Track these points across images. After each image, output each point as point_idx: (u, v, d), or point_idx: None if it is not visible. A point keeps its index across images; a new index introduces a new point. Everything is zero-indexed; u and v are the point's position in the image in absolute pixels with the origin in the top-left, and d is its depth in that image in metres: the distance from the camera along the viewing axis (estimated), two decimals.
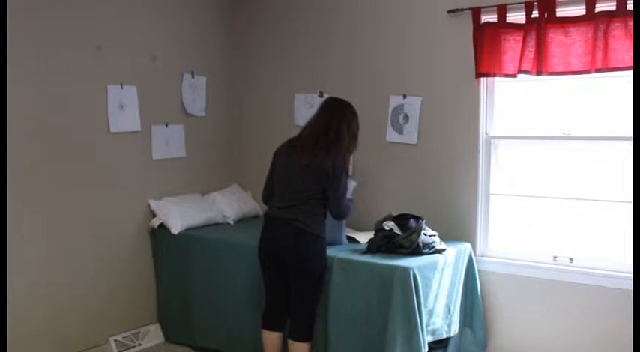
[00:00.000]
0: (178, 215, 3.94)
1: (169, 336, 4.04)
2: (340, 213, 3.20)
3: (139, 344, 3.94)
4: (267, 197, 3.36)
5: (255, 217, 4.36)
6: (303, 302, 3.21)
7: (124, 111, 3.81)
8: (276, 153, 3.33)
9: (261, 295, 3.40)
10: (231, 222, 4.16)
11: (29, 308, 3.41)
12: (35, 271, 3.44)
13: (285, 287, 3.25)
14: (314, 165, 3.11)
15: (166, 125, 4.08)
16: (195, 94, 4.26)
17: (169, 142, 4.11)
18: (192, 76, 4.24)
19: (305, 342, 3.22)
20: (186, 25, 4.20)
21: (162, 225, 3.94)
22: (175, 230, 3.89)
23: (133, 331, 3.95)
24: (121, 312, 3.88)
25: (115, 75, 3.76)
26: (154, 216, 3.99)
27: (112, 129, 3.76)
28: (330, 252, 3.32)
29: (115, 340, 3.84)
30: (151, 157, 4.00)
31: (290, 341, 3.24)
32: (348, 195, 3.31)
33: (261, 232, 3.27)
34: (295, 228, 3.11)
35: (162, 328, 4.06)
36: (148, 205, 3.99)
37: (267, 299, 3.34)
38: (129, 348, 3.89)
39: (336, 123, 3.18)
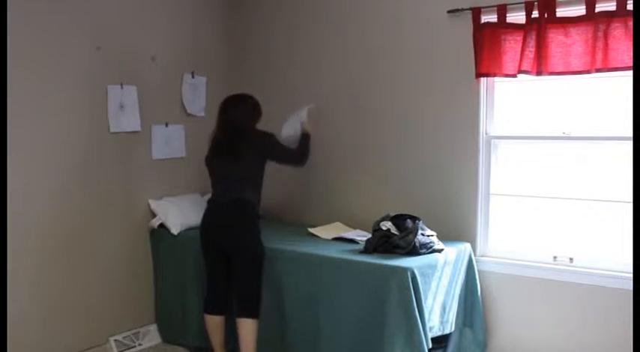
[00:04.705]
0: (178, 215, 3.94)
1: (167, 336, 4.03)
2: (298, 161, 3.59)
3: (139, 344, 3.94)
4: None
5: None
6: (245, 278, 3.36)
7: (124, 111, 3.81)
8: (206, 163, 3.59)
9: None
10: None
11: (29, 308, 3.41)
12: (35, 271, 3.44)
13: (225, 271, 3.45)
14: (241, 159, 3.40)
15: (166, 125, 4.08)
16: (195, 94, 4.26)
17: (169, 142, 4.11)
18: (192, 76, 4.24)
19: (253, 318, 3.34)
20: (186, 26, 4.20)
21: (162, 225, 3.94)
22: (175, 230, 3.89)
23: (133, 331, 3.95)
24: (120, 312, 3.88)
25: (115, 75, 3.76)
26: (154, 216, 3.99)
27: (112, 129, 3.76)
28: (328, 251, 3.34)
29: (115, 340, 3.84)
30: (151, 157, 4.00)
31: (239, 319, 3.35)
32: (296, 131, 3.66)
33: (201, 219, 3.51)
34: (230, 202, 3.38)
35: (160, 328, 4.06)
36: (148, 205, 3.99)
37: (208, 284, 3.53)
38: (129, 348, 3.89)
39: (241, 119, 3.48)
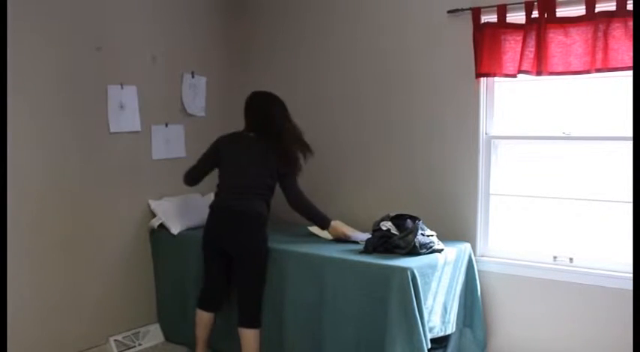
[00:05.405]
0: (178, 215, 3.94)
1: (169, 336, 4.04)
2: (292, 201, 3.46)
3: (139, 344, 3.94)
4: (194, 179, 3.63)
5: None
6: (249, 289, 3.39)
7: (124, 111, 3.81)
8: (221, 142, 3.54)
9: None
10: None
11: (29, 308, 3.41)
12: (35, 271, 3.44)
13: (225, 272, 3.47)
14: (268, 160, 3.36)
15: (166, 125, 4.08)
16: (195, 94, 4.26)
17: (169, 142, 4.11)
18: (192, 76, 4.24)
19: (256, 329, 3.37)
20: (186, 26, 4.20)
21: (162, 225, 3.94)
22: (175, 230, 3.89)
23: (133, 331, 3.96)
24: (121, 312, 3.88)
25: (115, 75, 3.76)
26: (153, 216, 3.99)
27: (112, 129, 3.76)
28: (328, 251, 3.34)
29: (115, 340, 3.84)
30: (150, 157, 4.00)
31: (241, 329, 3.37)
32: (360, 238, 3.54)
33: (206, 221, 3.46)
34: (241, 213, 3.32)
35: (162, 328, 4.06)
36: (148, 205, 3.99)
37: (207, 282, 3.54)
38: (129, 348, 3.89)
39: (282, 120, 3.43)
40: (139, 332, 3.98)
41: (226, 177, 3.46)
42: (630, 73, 2.98)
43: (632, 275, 2.77)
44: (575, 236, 3.46)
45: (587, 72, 3.15)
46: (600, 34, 3.08)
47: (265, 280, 3.41)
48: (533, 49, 3.26)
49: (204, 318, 3.55)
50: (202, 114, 4.31)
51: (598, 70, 3.12)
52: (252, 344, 3.36)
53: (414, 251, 3.21)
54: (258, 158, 3.39)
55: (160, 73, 4.03)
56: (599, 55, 3.09)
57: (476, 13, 3.44)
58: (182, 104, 4.19)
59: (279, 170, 3.38)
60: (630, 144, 3.07)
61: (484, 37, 3.40)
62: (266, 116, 3.44)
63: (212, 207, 3.48)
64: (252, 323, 3.38)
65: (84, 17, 3.59)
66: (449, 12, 3.55)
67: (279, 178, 3.41)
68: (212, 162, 3.55)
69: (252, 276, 3.37)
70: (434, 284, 3.19)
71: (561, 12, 3.21)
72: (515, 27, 3.33)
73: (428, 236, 3.33)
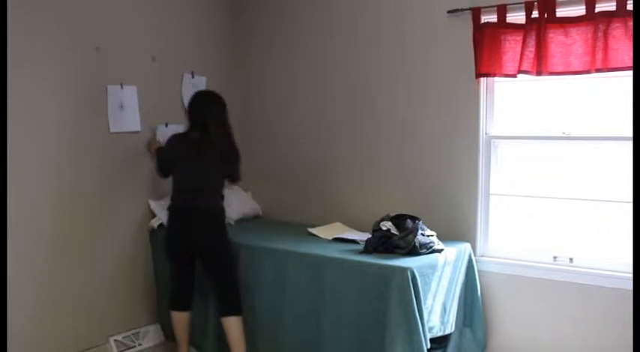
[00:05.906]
0: None
1: (169, 336, 4.04)
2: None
3: (139, 344, 3.94)
4: (166, 173, 3.65)
5: (256, 217, 4.37)
6: (228, 279, 3.48)
7: (124, 111, 3.82)
8: (170, 143, 3.60)
9: (260, 293, 3.41)
10: (232, 223, 4.15)
11: (29, 308, 3.42)
12: (35, 271, 3.44)
13: (192, 270, 3.56)
14: (215, 157, 3.47)
15: (166, 125, 4.08)
16: None
17: None
18: (192, 76, 4.24)
19: (239, 315, 3.48)
20: (186, 26, 4.20)
21: (162, 225, 3.94)
22: None
23: (133, 331, 3.96)
24: (121, 312, 3.89)
25: (115, 75, 3.76)
26: (153, 216, 3.99)
27: (112, 129, 3.77)
28: (328, 251, 3.34)
29: (115, 340, 3.84)
30: (150, 157, 4.00)
31: (225, 318, 3.46)
32: None
33: (168, 223, 3.54)
34: (203, 210, 3.43)
35: (162, 328, 4.06)
36: (148, 205, 4.00)
37: (177, 284, 3.59)
38: (129, 348, 3.89)
39: (221, 117, 3.52)
40: (139, 332, 3.98)
41: (179, 178, 3.53)
42: (630, 73, 2.98)
43: (632, 275, 2.77)
44: (575, 236, 3.46)
45: (587, 72, 3.15)
46: (600, 34, 3.08)
47: (238, 268, 3.51)
48: (533, 49, 3.26)
49: (182, 319, 3.61)
50: None
51: (598, 70, 3.12)
52: (236, 330, 3.45)
53: (414, 251, 3.21)
54: (206, 157, 3.47)
55: (160, 73, 4.03)
56: (599, 55, 3.09)
57: (476, 13, 3.44)
58: (182, 104, 4.19)
59: (227, 167, 3.53)
60: (630, 144, 3.06)
61: (484, 37, 3.40)
62: (207, 116, 3.50)
63: (171, 208, 3.52)
64: (235, 310, 3.47)
65: (84, 17, 3.59)
66: (449, 12, 3.55)
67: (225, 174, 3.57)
68: (171, 161, 3.63)
69: (227, 267, 3.48)
70: (434, 284, 3.19)
71: (561, 12, 3.21)
72: (515, 27, 3.32)
73: (428, 236, 3.33)
